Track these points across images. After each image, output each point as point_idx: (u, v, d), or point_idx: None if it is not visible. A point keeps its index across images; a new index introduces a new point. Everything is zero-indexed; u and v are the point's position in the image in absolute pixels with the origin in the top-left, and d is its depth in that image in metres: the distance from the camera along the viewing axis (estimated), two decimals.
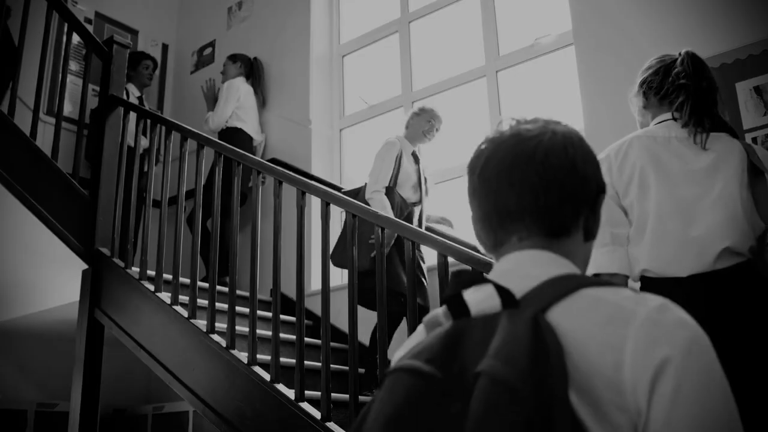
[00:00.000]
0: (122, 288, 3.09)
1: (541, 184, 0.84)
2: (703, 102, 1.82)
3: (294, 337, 2.92)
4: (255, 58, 4.72)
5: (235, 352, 2.58)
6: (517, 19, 4.01)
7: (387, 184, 3.20)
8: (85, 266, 3.28)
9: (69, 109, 4.38)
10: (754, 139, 2.96)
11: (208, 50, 5.30)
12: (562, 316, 0.74)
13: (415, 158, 3.40)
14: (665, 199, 1.71)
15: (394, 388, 0.73)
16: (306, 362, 2.56)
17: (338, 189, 3.43)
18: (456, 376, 0.71)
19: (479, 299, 0.79)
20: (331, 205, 2.52)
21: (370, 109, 4.42)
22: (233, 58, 4.68)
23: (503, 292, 0.75)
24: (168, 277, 3.03)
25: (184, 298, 2.92)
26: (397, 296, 2.90)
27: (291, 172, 2.78)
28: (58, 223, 3.21)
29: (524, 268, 0.83)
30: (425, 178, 3.41)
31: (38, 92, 3.46)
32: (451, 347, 0.74)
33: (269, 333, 2.63)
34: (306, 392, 2.40)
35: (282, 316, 3.18)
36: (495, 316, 0.74)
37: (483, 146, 0.90)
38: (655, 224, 1.70)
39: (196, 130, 3.21)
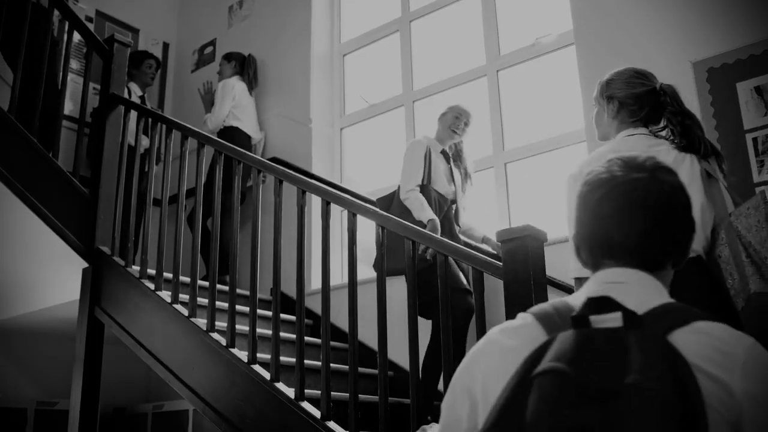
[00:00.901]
0: (122, 286, 3.09)
1: (648, 230, 1.00)
2: (699, 131, 1.98)
3: (294, 336, 2.92)
4: (249, 55, 4.71)
5: (235, 350, 2.58)
6: (518, 19, 4.01)
7: (420, 182, 3.13)
8: (86, 264, 3.28)
9: (70, 107, 4.38)
10: (755, 140, 2.96)
11: (209, 49, 5.30)
12: (680, 341, 0.89)
13: (446, 156, 3.34)
14: None
15: (549, 388, 0.85)
16: (306, 361, 2.56)
17: (371, 202, 3.38)
18: (591, 382, 0.84)
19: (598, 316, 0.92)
20: (331, 204, 2.52)
21: (371, 108, 4.42)
22: (228, 57, 4.69)
23: (628, 313, 0.89)
24: (168, 275, 3.03)
25: (184, 297, 2.93)
26: (460, 292, 2.84)
27: (291, 171, 2.78)
28: (58, 221, 3.21)
29: (632, 287, 0.99)
30: (465, 175, 3.36)
31: (39, 91, 3.46)
32: (583, 354, 0.86)
33: (269, 332, 2.63)
34: (306, 391, 2.40)
35: (282, 315, 3.18)
36: (617, 331, 0.88)
37: (595, 185, 1.04)
38: None
39: (196, 129, 3.22)
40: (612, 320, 0.89)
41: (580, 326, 0.90)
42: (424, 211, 2.97)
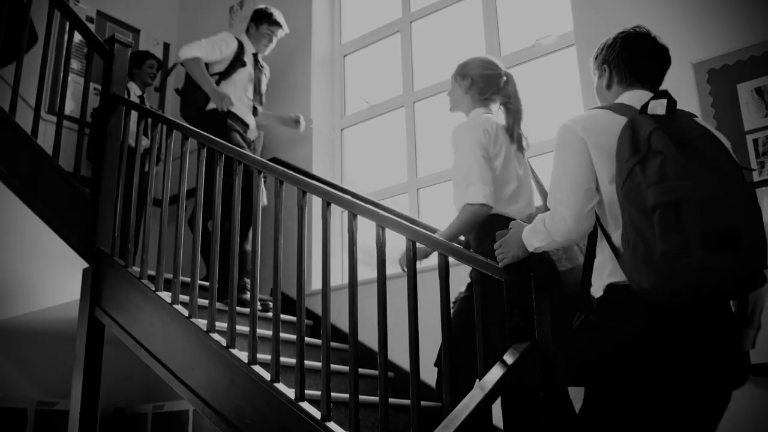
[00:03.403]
0: (123, 287, 3.09)
1: None
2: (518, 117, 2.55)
3: (294, 336, 2.92)
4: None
5: (235, 351, 2.58)
6: (519, 20, 4.01)
7: None
8: (86, 265, 3.28)
9: (70, 107, 4.38)
10: (756, 141, 2.96)
11: None
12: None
13: None
14: None
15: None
16: (306, 362, 2.56)
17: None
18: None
19: None
20: (331, 204, 2.52)
21: (372, 109, 4.43)
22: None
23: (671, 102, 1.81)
24: (168, 276, 3.03)
25: (184, 297, 2.93)
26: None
27: (292, 172, 2.77)
28: (59, 221, 3.22)
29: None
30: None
31: (39, 91, 3.47)
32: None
33: (269, 332, 2.63)
34: (306, 392, 2.40)
35: (282, 316, 3.18)
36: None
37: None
38: None
39: (197, 129, 3.21)
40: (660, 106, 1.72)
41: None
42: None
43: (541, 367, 1.87)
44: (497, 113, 2.54)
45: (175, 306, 2.84)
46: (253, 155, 3.01)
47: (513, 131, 2.45)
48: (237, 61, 3.95)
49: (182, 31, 5.58)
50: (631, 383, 1.61)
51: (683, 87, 3.18)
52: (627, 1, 3.44)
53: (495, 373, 1.82)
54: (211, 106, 3.82)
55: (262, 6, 4.13)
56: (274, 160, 4.14)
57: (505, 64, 3.90)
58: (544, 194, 2.41)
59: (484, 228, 2.33)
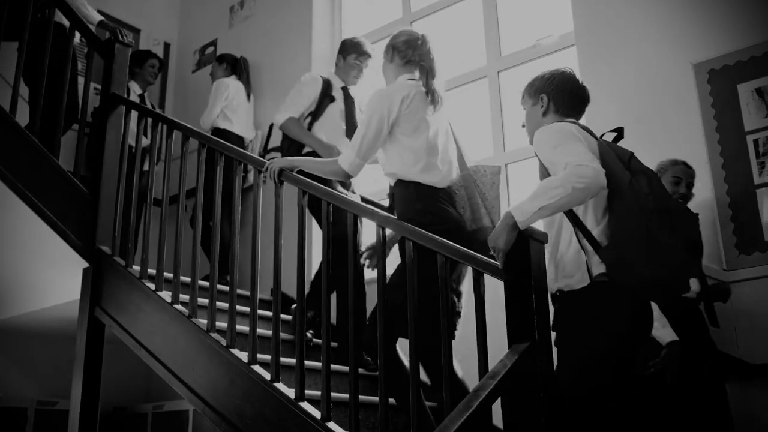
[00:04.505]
0: (123, 286, 3.09)
1: None
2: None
3: (294, 336, 2.92)
4: (241, 57, 4.72)
5: (235, 351, 2.58)
6: (520, 20, 4.01)
7: None
8: (86, 264, 3.28)
9: None
10: (756, 141, 2.96)
11: (210, 49, 5.31)
12: None
13: None
14: None
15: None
16: (306, 362, 2.56)
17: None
18: None
19: None
20: (332, 205, 2.51)
21: None
22: (220, 59, 4.71)
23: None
24: (168, 275, 3.03)
25: (184, 297, 2.93)
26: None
27: (292, 172, 2.77)
28: (59, 221, 3.21)
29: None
30: None
31: (40, 91, 3.46)
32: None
33: (269, 332, 2.63)
34: (306, 392, 2.40)
35: (282, 315, 3.18)
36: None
37: None
38: None
39: (197, 129, 3.22)
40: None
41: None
42: None
43: (541, 367, 1.87)
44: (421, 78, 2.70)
45: (175, 306, 2.84)
46: (252, 155, 3.01)
47: (428, 88, 2.63)
48: (326, 98, 3.70)
49: (182, 31, 5.59)
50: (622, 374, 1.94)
51: (683, 87, 3.18)
52: (627, 1, 3.44)
53: (495, 374, 1.82)
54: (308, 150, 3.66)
55: (348, 37, 3.85)
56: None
57: (506, 64, 3.93)
58: (462, 161, 2.68)
59: (407, 194, 2.54)
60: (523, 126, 2.35)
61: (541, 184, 1.92)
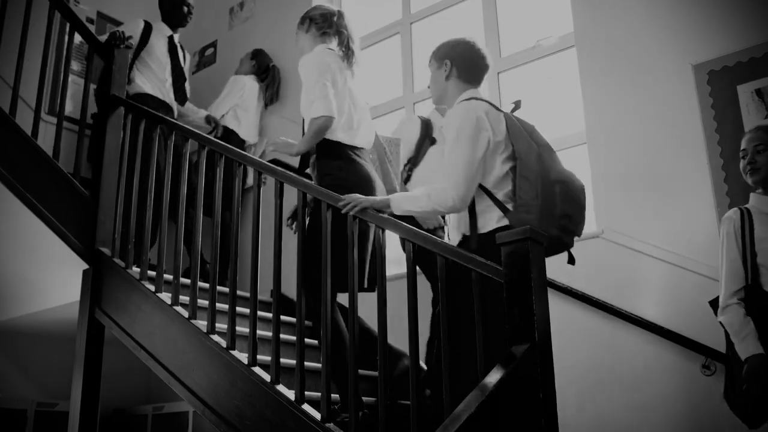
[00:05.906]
0: (123, 288, 3.09)
1: None
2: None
3: (294, 338, 2.92)
4: (274, 66, 4.69)
5: (235, 352, 2.58)
6: (519, 21, 4.01)
7: None
8: (86, 266, 3.28)
9: (70, 108, 4.38)
10: None
11: (210, 50, 5.31)
12: None
13: None
14: None
15: None
16: (306, 363, 2.56)
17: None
18: None
19: None
20: (331, 207, 2.51)
21: (371, 110, 4.42)
22: (254, 54, 4.65)
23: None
24: (168, 277, 3.03)
25: (184, 299, 2.92)
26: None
27: (292, 173, 2.77)
28: (59, 222, 3.21)
29: None
30: None
31: (40, 92, 3.46)
32: None
33: (269, 334, 2.63)
34: (306, 393, 2.40)
35: (282, 317, 3.17)
36: None
37: None
38: None
39: (197, 131, 3.21)
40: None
41: None
42: None
43: (541, 367, 1.87)
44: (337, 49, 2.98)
45: (175, 307, 2.84)
46: (252, 156, 3.01)
47: (346, 53, 2.95)
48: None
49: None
50: None
51: (683, 88, 3.18)
52: (627, 2, 3.45)
53: (495, 375, 1.82)
54: None
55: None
56: (275, 161, 4.14)
57: (506, 65, 3.93)
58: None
59: (323, 151, 2.81)
60: (429, 87, 2.57)
61: (420, 194, 2.30)
